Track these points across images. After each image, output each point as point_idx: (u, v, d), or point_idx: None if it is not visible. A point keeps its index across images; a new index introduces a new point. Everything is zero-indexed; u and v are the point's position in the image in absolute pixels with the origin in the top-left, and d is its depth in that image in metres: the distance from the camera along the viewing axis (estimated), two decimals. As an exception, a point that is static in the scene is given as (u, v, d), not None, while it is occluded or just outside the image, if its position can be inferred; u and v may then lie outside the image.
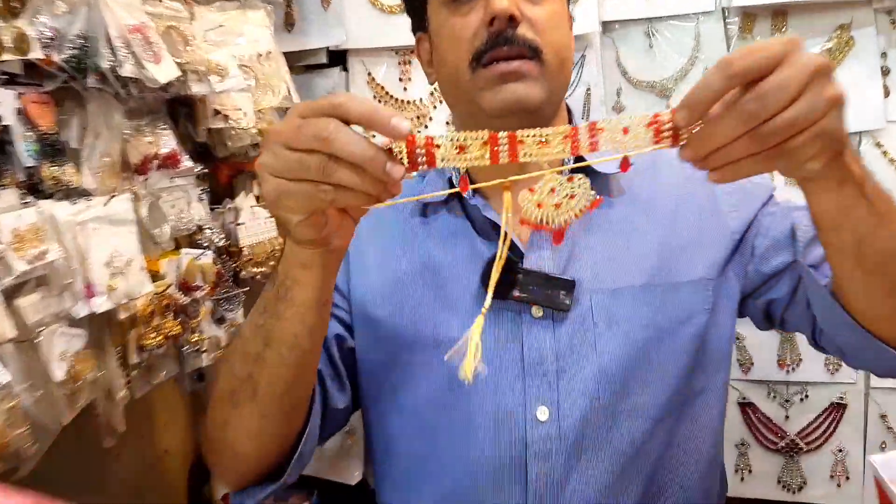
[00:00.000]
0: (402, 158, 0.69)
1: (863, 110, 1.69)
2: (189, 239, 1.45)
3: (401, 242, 1.10)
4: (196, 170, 1.41)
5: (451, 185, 1.09)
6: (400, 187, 0.70)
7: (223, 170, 1.65)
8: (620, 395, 0.99)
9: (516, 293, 0.99)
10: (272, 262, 1.62)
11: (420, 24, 1.12)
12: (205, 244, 1.46)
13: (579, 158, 0.88)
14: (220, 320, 1.55)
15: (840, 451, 1.80)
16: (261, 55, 1.51)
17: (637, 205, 1.07)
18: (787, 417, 1.83)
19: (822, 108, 0.65)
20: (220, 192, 1.64)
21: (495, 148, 0.71)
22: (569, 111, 1.15)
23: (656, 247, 1.04)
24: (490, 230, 1.05)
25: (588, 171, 0.83)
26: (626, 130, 0.71)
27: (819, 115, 0.65)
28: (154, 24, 1.20)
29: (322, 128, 0.67)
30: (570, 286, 0.99)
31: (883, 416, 1.77)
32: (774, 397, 1.83)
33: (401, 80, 1.92)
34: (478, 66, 0.98)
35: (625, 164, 0.75)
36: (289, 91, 1.60)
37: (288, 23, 1.92)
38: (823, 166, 0.70)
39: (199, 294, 1.41)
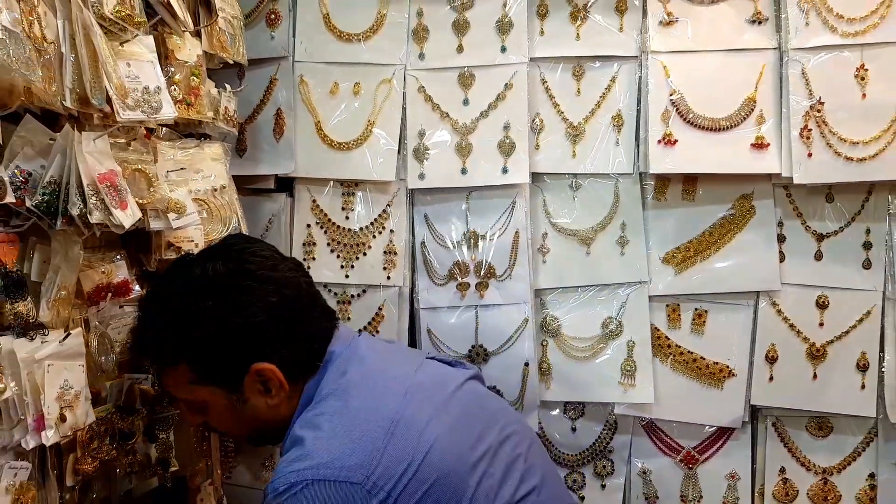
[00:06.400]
0: None
1: (760, 273, 1.90)
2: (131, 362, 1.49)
3: None
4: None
5: None
6: None
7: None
8: None
9: None
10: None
11: None
12: (146, 367, 1.51)
13: None
14: (151, 438, 1.59)
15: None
16: (215, 190, 1.60)
17: None
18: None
19: None
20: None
21: None
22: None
23: None
24: None
25: None
26: None
27: None
28: (121, 167, 1.28)
29: None
30: None
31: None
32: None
33: (343, 209, 2.03)
34: None
35: None
36: (238, 221, 1.69)
37: (240, 148, 2.03)
38: None
39: (136, 418, 1.45)
